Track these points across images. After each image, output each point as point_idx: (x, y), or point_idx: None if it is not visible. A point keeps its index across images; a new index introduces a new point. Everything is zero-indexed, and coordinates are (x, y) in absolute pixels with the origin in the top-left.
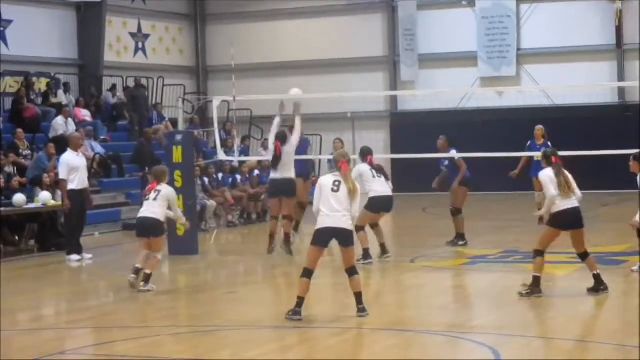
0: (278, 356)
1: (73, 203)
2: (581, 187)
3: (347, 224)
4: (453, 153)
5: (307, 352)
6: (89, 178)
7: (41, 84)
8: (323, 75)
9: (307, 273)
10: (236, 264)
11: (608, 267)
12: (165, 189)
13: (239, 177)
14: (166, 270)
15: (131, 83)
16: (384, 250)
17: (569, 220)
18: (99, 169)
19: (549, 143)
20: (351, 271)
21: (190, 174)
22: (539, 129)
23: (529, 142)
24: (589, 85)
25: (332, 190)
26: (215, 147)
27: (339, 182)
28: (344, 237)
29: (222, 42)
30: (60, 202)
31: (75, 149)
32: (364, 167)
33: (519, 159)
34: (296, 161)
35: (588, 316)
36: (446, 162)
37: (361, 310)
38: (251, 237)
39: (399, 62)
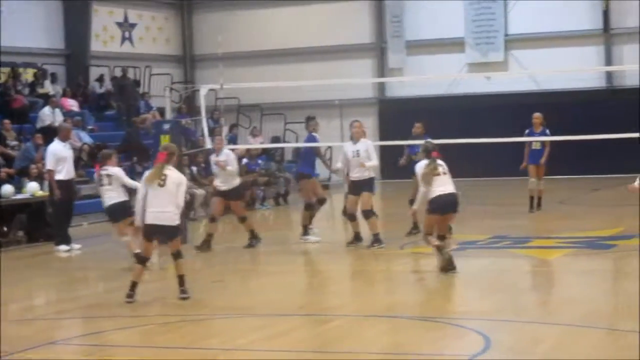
0: (267, 344)
1: (61, 193)
2: (570, 172)
3: (171, 219)
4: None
5: (296, 339)
6: (77, 168)
7: (28, 75)
8: (310, 63)
9: (142, 260)
10: (225, 252)
11: (598, 251)
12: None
13: None
14: (155, 259)
15: (118, 72)
16: (253, 236)
17: (443, 204)
18: (87, 159)
19: (547, 131)
20: (176, 256)
21: (179, 162)
22: (537, 116)
23: (527, 130)
24: (576, 69)
25: (159, 185)
26: (203, 135)
27: (166, 176)
28: (169, 234)
29: (209, 31)
30: (47, 193)
31: (64, 139)
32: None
33: (508, 143)
34: (305, 159)
35: (579, 300)
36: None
37: (183, 292)
38: (240, 226)
39: (386, 48)
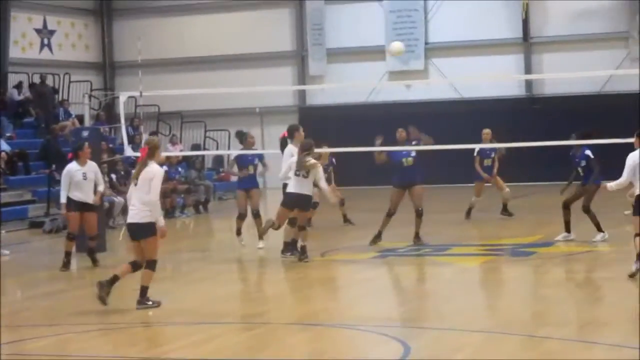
0: (188, 352)
1: None
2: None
3: (138, 217)
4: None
5: (218, 347)
6: None
7: None
8: (231, 71)
9: (135, 265)
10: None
11: (518, 258)
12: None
13: None
14: (74, 267)
15: (37, 79)
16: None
17: (290, 201)
18: (5, 167)
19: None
20: (147, 264)
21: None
22: (487, 132)
23: (478, 148)
24: (496, 77)
25: (134, 183)
26: (122, 143)
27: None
28: (137, 232)
29: (129, 38)
30: None
31: None
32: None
33: (427, 151)
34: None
35: (498, 307)
36: (413, 154)
37: (139, 303)
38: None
39: (307, 56)
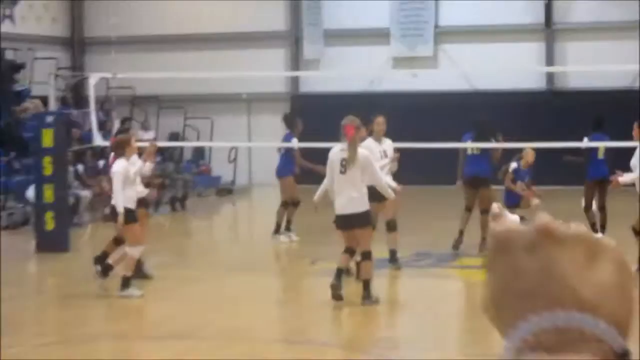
0: None
1: None
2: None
3: (353, 206)
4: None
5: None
6: None
7: None
8: (216, 51)
9: (350, 251)
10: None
11: None
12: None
13: None
14: (33, 269)
15: None
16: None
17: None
18: None
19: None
20: (363, 256)
21: (63, 160)
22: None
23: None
24: (514, 68)
25: (344, 170)
26: (91, 130)
27: (346, 159)
28: (351, 221)
29: (102, 11)
30: None
31: None
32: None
33: (437, 150)
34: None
35: None
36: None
37: (365, 297)
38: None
39: (302, 38)
